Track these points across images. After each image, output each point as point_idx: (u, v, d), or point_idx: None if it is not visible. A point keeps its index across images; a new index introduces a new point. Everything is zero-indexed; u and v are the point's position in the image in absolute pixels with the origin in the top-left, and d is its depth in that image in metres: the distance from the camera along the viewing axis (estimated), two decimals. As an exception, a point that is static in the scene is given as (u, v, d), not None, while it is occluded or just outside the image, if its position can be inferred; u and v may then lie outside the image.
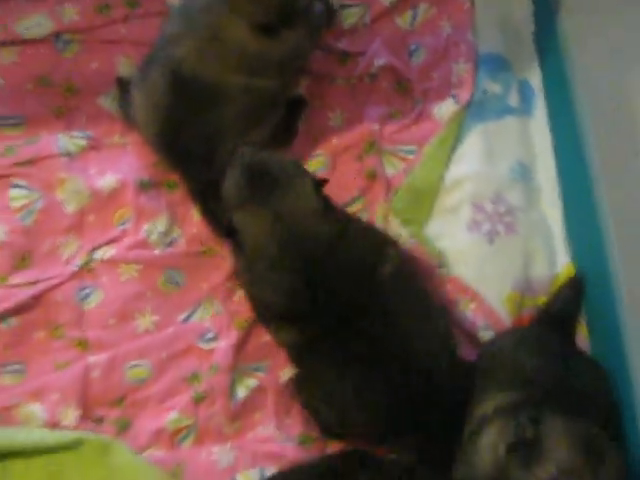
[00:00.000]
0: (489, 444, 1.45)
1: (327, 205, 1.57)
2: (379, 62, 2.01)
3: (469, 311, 1.80)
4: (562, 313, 1.77)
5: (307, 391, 1.70)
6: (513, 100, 1.97)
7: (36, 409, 1.77)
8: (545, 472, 1.36)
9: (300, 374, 1.71)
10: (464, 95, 1.98)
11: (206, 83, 1.74)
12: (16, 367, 1.81)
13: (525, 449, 1.39)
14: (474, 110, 1.96)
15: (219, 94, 1.75)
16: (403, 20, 2.07)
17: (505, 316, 1.80)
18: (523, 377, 1.62)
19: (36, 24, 1.99)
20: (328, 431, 1.71)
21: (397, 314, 1.58)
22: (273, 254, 1.54)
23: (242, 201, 1.56)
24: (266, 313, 1.67)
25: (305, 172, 1.59)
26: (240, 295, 1.83)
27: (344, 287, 1.56)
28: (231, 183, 1.58)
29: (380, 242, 1.64)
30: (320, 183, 1.57)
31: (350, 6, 2.03)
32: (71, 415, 1.77)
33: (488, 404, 1.58)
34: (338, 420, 1.65)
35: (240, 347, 1.83)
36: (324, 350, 1.59)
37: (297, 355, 1.67)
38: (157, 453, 1.75)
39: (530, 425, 1.40)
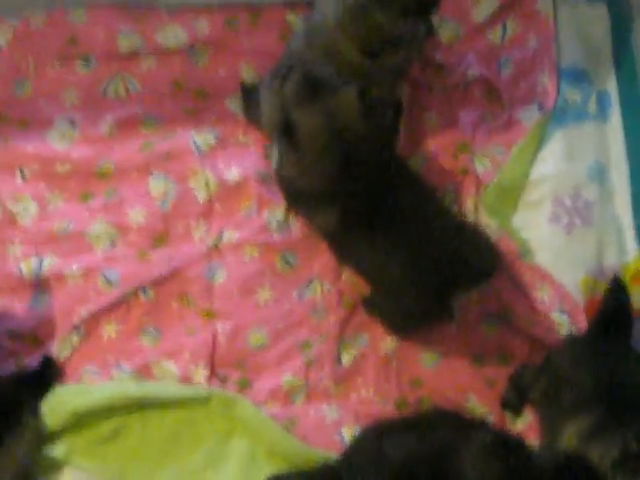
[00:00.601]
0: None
1: (367, 109, 1.79)
2: (472, 73, 2.16)
3: (547, 296, 1.96)
4: (616, 314, 1.80)
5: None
6: (591, 108, 2.10)
7: (171, 367, 1.95)
8: None
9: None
10: (548, 103, 2.12)
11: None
12: (153, 331, 1.98)
13: (629, 463, 1.51)
14: (556, 116, 2.09)
15: None
16: (494, 35, 2.21)
17: (579, 298, 1.94)
18: (587, 396, 1.69)
19: (173, 36, 2.17)
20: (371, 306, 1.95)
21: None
22: (322, 145, 1.77)
23: (300, 101, 1.78)
24: (310, 200, 1.87)
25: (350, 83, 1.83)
26: (347, 275, 2.00)
27: (374, 167, 1.80)
28: (291, 86, 1.80)
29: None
30: (364, 92, 1.79)
31: (447, 22, 2.17)
32: (201, 373, 1.93)
33: (564, 437, 1.67)
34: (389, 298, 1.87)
35: (346, 321, 1.99)
36: (361, 227, 1.82)
37: (340, 238, 1.89)
38: (273, 409, 1.91)
39: (635, 441, 1.52)
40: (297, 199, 1.93)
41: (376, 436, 1.74)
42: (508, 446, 1.58)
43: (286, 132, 1.77)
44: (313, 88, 1.79)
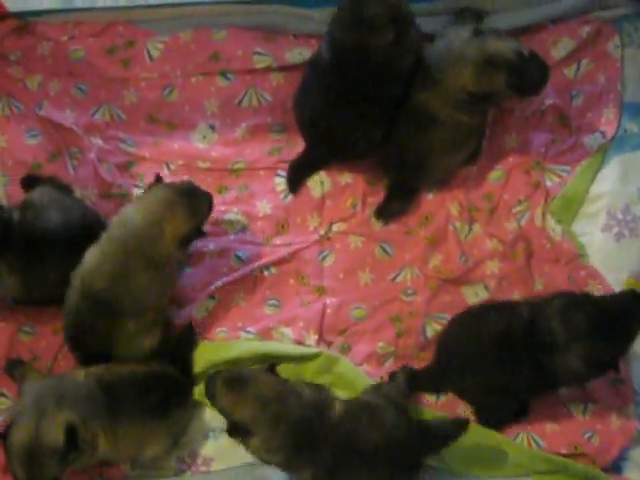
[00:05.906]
0: None
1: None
2: (548, 102, 2.40)
3: (595, 290, 2.22)
4: None
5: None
6: (647, 138, 2.34)
7: (287, 332, 2.26)
8: None
9: None
10: (610, 132, 2.37)
11: (428, 113, 2.21)
12: (274, 302, 2.30)
13: None
14: (616, 144, 2.36)
15: (436, 122, 2.21)
16: (569, 71, 2.43)
17: (622, 294, 2.18)
18: None
19: (299, 54, 2.39)
20: None
21: None
22: None
23: None
24: None
25: None
26: (433, 263, 2.31)
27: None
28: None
29: None
30: None
31: (529, 59, 2.36)
32: (311, 338, 2.24)
33: None
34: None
35: (430, 301, 2.29)
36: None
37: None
38: (368, 368, 2.24)
39: None
40: None
41: None
42: None
43: None
44: None
